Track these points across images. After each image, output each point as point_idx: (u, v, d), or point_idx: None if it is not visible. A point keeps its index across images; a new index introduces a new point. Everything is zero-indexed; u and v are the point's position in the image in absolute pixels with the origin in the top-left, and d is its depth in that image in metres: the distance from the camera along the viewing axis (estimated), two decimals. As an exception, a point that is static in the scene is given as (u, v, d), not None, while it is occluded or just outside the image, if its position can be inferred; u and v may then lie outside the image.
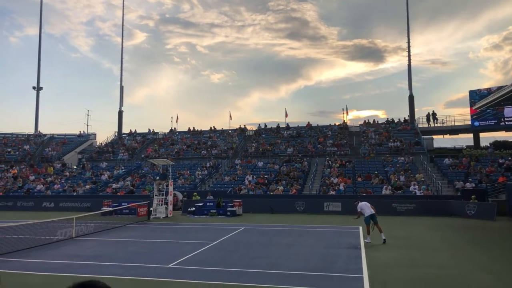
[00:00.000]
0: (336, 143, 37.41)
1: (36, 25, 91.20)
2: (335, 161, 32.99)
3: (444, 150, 38.25)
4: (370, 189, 27.03)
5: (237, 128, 45.59)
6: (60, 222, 17.00)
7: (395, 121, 41.62)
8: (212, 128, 46.26)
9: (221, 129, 46.13)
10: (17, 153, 42.90)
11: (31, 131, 50.21)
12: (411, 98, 41.85)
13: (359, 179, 29.27)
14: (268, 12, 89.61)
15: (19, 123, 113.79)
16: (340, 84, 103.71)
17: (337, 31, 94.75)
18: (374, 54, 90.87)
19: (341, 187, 27.63)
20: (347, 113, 46.02)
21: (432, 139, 41.21)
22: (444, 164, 30.75)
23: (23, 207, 29.46)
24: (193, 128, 47.02)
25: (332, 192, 27.10)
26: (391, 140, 36.29)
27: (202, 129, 46.59)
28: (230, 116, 47.71)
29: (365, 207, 14.68)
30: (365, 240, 14.34)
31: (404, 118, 41.67)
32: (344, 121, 44.45)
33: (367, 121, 42.90)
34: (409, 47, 42.60)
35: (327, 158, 34.23)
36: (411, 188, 26.15)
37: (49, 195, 31.39)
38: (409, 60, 42.45)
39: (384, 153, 34.57)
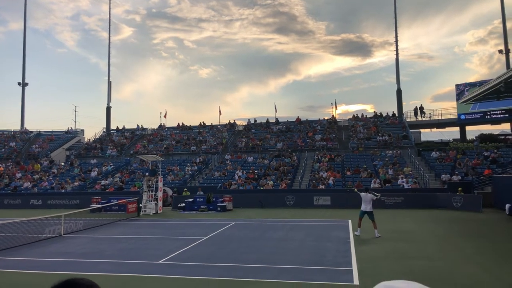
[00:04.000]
0: (325, 138, 37.59)
1: (20, 19, 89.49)
2: (324, 156, 33.17)
3: (432, 144, 38.73)
4: (358, 182, 27.24)
5: (226, 123, 45.51)
6: (48, 219, 16.82)
7: (384, 115, 41.97)
8: (202, 124, 46.08)
9: (210, 124, 45.98)
10: (2, 150, 42.21)
11: (17, 127, 49.44)
12: (399, 92, 42.21)
13: (348, 173, 29.49)
14: (256, 7, 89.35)
15: (4, 119, 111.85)
16: (328, 78, 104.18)
17: (324, 26, 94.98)
18: (362, 49, 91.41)
19: (330, 181, 27.80)
20: (336, 107, 46.28)
21: (420, 132, 41.70)
22: (431, 157, 31.15)
23: (10, 205, 29.04)
24: (182, 123, 46.78)
25: (321, 186, 27.27)
26: (379, 134, 36.60)
27: (191, 125, 46.38)
28: (220, 111, 47.75)
29: (366, 201, 14.64)
30: (355, 233, 14.50)
31: (393, 112, 42.05)
32: (333, 115, 44.69)
33: (355, 115, 43.21)
34: (396, 41, 42.93)
35: (317, 153, 34.39)
36: (399, 181, 26.45)
37: (36, 193, 30.97)
38: (397, 54, 42.80)
39: (372, 147, 34.86)
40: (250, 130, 43.05)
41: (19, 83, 51.07)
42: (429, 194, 24.11)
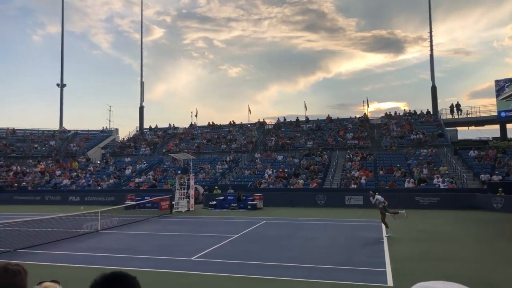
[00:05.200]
0: (357, 136, 36.97)
1: (58, 23, 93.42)
2: (356, 154, 32.62)
3: (469, 142, 37.25)
4: (392, 182, 26.62)
5: (256, 122, 45.61)
6: (86, 215, 17.45)
7: (417, 113, 40.76)
8: (231, 122, 46.41)
9: (240, 123, 46.23)
10: (43, 148, 44.15)
11: (56, 127, 51.54)
12: (433, 89, 40.87)
13: (381, 172, 28.88)
14: (285, 5, 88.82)
15: (44, 119, 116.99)
16: (360, 76, 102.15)
17: (355, 22, 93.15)
18: (394, 45, 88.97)
19: (363, 181, 27.33)
20: (367, 105, 45.38)
21: (456, 131, 40.21)
22: (469, 156, 29.98)
23: (51, 201, 30.35)
24: (213, 122, 47.31)
25: (353, 186, 26.85)
26: (413, 133, 35.60)
27: (222, 123, 46.81)
28: (249, 110, 47.75)
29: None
30: (385, 235, 14.14)
31: (427, 109, 40.77)
32: (364, 113, 43.86)
33: (388, 113, 42.25)
34: (431, 36, 41.58)
35: (348, 151, 33.88)
36: (435, 181, 25.63)
37: (75, 190, 32.24)
38: (431, 50, 41.44)
39: (406, 145, 33.96)
40: (280, 128, 42.96)
41: (57, 84, 53.25)
42: (467, 195, 23.22)
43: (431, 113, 40.14)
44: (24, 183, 34.39)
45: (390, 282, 8.56)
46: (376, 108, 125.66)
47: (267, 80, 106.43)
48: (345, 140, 36.76)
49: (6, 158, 40.01)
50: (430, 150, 31.61)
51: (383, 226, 14.59)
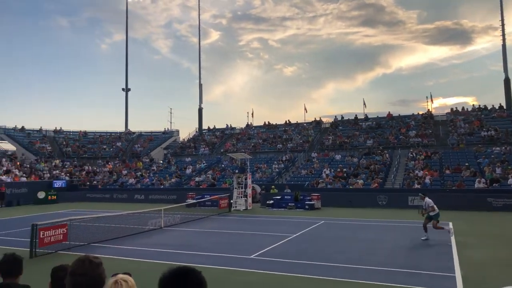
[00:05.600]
0: (420, 134, 35.16)
1: (122, 31, 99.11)
2: (420, 153, 31.03)
3: (550, 139, 33.86)
4: (460, 182, 24.96)
5: (312, 121, 45.09)
6: (150, 213, 18.33)
7: (488, 108, 37.85)
8: (287, 122, 46.30)
9: (296, 122, 45.98)
10: (111, 149, 47.10)
11: (122, 129, 54.72)
12: (507, 82, 37.71)
13: (448, 171, 27.19)
14: (341, 1, 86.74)
15: (111, 122, 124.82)
16: (422, 70, 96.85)
17: (416, 14, 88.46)
18: (460, 36, 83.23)
19: (427, 180, 25.93)
20: (431, 101, 42.98)
21: (534, 126, 36.75)
22: (549, 154, 27.26)
23: (118, 199, 32.30)
24: (268, 122, 47.51)
25: (417, 186, 25.56)
26: (484, 129, 33.11)
27: (277, 123, 46.87)
28: (305, 109, 47.41)
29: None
30: (422, 238, 13.31)
31: (499, 104, 37.70)
32: (428, 109, 41.60)
33: (454, 109, 39.65)
34: (503, 25, 38.40)
35: (411, 150, 32.32)
36: (510, 181, 23.61)
37: (139, 188, 34.05)
38: (504, 39, 38.27)
39: (475, 143, 31.67)
40: (337, 127, 42.08)
41: (122, 89, 56.56)
42: (548, 196, 21.14)
43: (504, 107, 37.08)
44: (94, 182, 36.95)
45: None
46: (441, 104, 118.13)
47: (323, 78, 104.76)
48: (408, 138, 35.11)
49: (79, 158, 43.25)
50: (504, 148, 29.18)
51: (452, 228, 13.72)
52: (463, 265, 9.85)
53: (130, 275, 2.14)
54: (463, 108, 39.28)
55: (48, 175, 36.23)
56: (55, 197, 30.96)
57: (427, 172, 27.04)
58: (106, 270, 2.18)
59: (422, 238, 13.22)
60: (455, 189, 23.60)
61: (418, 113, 40.81)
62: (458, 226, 15.94)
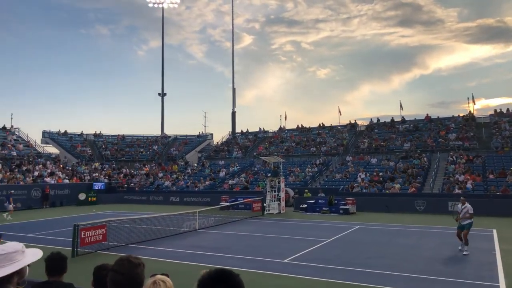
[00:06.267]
0: (461, 136, 33.77)
1: (158, 38, 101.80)
2: (461, 156, 29.78)
3: None
4: (504, 187, 23.72)
5: (346, 124, 44.37)
6: (185, 215, 18.65)
7: (536, 109, 35.81)
8: (321, 125, 45.80)
9: (330, 125, 45.40)
10: (147, 153, 48.43)
11: (158, 133, 56.09)
12: (556, 81, 35.56)
13: (491, 176, 25.93)
14: (375, 1, 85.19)
15: (148, 126, 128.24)
16: (463, 70, 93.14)
17: (456, 13, 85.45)
18: (504, 34, 79.37)
19: (469, 185, 24.83)
20: (473, 102, 41.11)
21: None
22: None
23: (154, 201, 33.11)
24: (301, 125, 47.20)
25: (457, 191, 24.53)
26: (530, 131, 31.35)
27: (311, 126, 46.47)
28: (339, 112, 46.63)
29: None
30: (465, 252, 11.79)
31: (548, 105, 35.58)
32: (470, 111, 39.85)
33: (498, 110, 37.79)
34: (552, 21, 36.23)
35: (451, 153, 31.10)
36: (560, 186, 22.21)
37: (175, 190, 34.74)
38: (553, 36, 36.08)
39: (521, 146, 30.04)
40: (373, 130, 41.17)
41: (159, 94, 58.07)
42: None
43: (553, 108, 34.96)
44: (132, 184, 38.08)
45: (506, 299, 7.61)
46: (483, 105, 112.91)
47: (358, 80, 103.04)
48: (447, 141, 33.82)
49: (117, 161, 44.72)
50: (552, 151, 27.52)
51: (496, 236, 12.97)
52: (508, 274, 9.34)
53: (168, 276, 2.19)
54: (508, 110, 37.36)
55: (89, 177, 37.70)
56: (94, 198, 32.17)
57: (468, 177, 25.91)
58: (145, 270, 2.24)
59: (461, 248, 12.06)
60: (499, 195, 22.46)
61: (458, 115, 39.26)
62: (503, 233, 15.16)
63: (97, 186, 35.01)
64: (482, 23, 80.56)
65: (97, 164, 41.97)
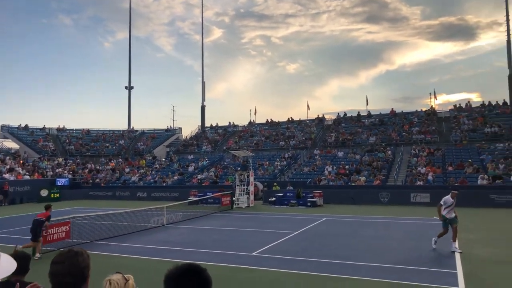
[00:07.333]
0: (423, 130, 35.07)
1: (125, 29, 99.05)
2: (423, 150, 30.96)
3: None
4: (462, 179, 24.88)
5: (315, 118, 45.03)
6: (152, 210, 18.38)
7: (492, 104, 37.68)
8: (290, 119, 46.25)
9: (298, 119, 45.92)
10: (114, 147, 47.22)
11: (125, 127, 54.79)
12: (511, 78, 37.52)
13: (450, 168, 27.12)
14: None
15: (114, 120, 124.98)
16: (426, 66, 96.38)
17: (420, 10, 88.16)
18: (464, 32, 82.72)
19: (430, 177, 25.87)
20: (435, 97, 42.81)
21: (538, 122, 36.57)
22: (553, 151, 27.14)
23: (121, 196, 32.39)
24: (271, 119, 47.50)
25: (419, 183, 25.51)
26: (487, 125, 32.99)
27: (280, 120, 46.82)
28: (308, 106, 47.23)
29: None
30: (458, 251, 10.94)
31: (503, 100, 37.54)
32: (431, 106, 41.47)
33: (458, 105, 39.52)
34: (507, 20, 38.13)
35: (413, 147, 32.25)
36: (513, 177, 23.54)
37: (142, 186, 34.13)
38: (508, 35, 37.99)
39: (479, 139, 31.57)
40: (340, 124, 42.02)
41: (125, 87, 56.66)
42: (551, 193, 21.06)
43: (508, 104, 36.91)
44: (97, 180, 37.05)
45: (462, 285, 8.02)
46: (444, 101, 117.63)
47: (326, 75, 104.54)
48: (410, 135, 35.03)
49: (82, 156, 43.37)
50: (507, 144, 29.08)
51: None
52: (465, 261, 9.83)
53: (125, 279, 2.09)
54: (466, 105, 39.13)
55: (51, 173, 36.36)
56: (58, 195, 31.10)
57: (429, 169, 26.98)
58: (107, 267, 2.19)
59: (455, 249, 11.04)
60: (457, 186, 23.49)
61: (421, 109, 40.71)
62: (461, 222, 15.86)
63: (61, 182, 33.84)
64: (444, 21, 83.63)
65: (60, 159, 40.53)
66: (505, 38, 38.29)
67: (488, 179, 23.97)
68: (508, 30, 38.11)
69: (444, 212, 11.43)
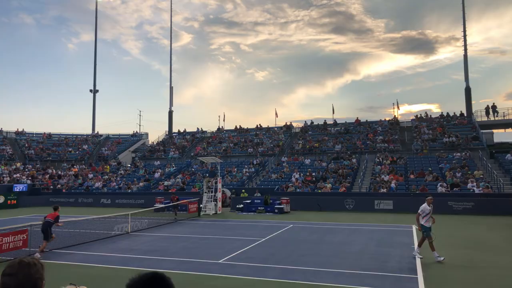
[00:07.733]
0: (386, 139, 36.21)
1: (91, 31, 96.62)
2: (386, 158, 31.94)
3: (506, 145, 35.68)
4: (423, 186, 25.85)
5: (283, 126, 45.52)
6: (117, 217, 17.89)
7: (450, 115, 39.52)
8: (258, 126, 46.50)
9: (267, 126, 46.25)
10: (77, 152, 45.69)
11: (89, 131, 53.25)
12: (467, 91, 39.54)
13: (412, 176, 28.13)
14: (312, 8, 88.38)
15: (78, 124, 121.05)
16: (389, 78, 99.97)
17: (384, 24, 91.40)
18: (424, 46, 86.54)
19: (393, 185, 26.70)
20: (398, 107, 44.47)
21: (492, 133, 38.56)
22: (506, 160, 28.74)
23: (84, 203, 31.32)
24: (240, 126, 47.58)
25: (383, 190, 26.28)
26: (446, 135, 34.52)
27: (248, 127, 46.98)
28: (276, 114, 47.69)
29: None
30: (440, 258, 10.92)
31: (460, 111, 39.47)
32: (394, 116, 42.98)
33: (419, 115, 41.16)
34: (465, 36, 40.26)
35: (377, 155, 33.23)
36: (469, 185, 24.71)
37: (106, 192, 33.13)
38: (465, 50, 40.11)
39: (438, 149, 32.97)
40: (307, 132, 42.67)
41: (90, 90, 55.06)
42: (504, 200, 22.24)
43: (465, 115, 38.83)
44: (59, 186, 35.67)
45: (422, 289, 8.31)
46: (406, 111, 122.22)
47: (294, 83, 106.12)
48: (375, 144, 36.07)
49: (43, 161, 41.64)
50: (464, 153, 30.55)
51: (415, 231, 13.95)
52: (426, 266, 10.21)
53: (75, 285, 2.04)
54: (427, 115, 40.81)
55: (8, 178, 34.66)
56: (15, 201, 29.68)
57: (392, 177, 27.85)
58: (67, 277, 2.12)
59: (417, 255, 11.36)
60: (418, 193, 24.41)
61: (385, 119, 42.07)
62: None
63: (18, 188, 32.34)
64: (406, 35, 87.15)
65: (18, 164, 38.76)
66: (462, 52, 40.41)
67: (447, 187, 25.03)
68: (465, 45, 40.23)
69: (423, 221, 11.44)
